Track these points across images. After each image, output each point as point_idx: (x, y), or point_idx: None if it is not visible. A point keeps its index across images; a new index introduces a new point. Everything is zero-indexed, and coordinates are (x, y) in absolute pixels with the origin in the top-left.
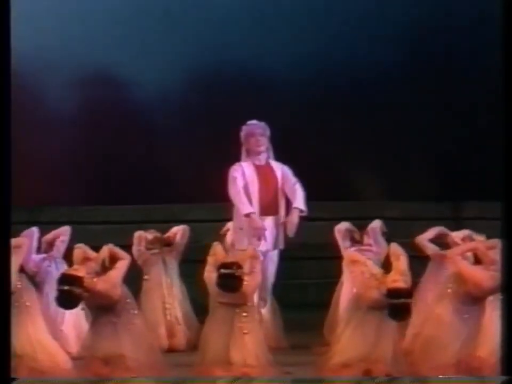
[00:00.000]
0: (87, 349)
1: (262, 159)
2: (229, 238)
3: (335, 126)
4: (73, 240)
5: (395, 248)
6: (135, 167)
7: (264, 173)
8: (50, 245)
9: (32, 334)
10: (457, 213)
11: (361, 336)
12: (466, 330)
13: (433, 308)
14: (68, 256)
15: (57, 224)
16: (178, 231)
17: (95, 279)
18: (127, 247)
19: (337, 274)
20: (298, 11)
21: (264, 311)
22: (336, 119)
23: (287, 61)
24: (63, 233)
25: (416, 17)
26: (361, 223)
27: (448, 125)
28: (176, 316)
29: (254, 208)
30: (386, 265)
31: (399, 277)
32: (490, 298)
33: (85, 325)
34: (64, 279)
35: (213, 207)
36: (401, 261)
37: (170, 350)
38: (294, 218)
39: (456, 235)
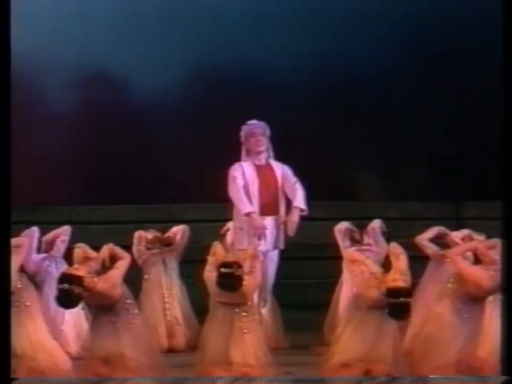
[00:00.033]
0: (87, 349)
1: (262, 159)
2: (229, 237)
3: (335, 126)
4: (73, 240)
5: (395, 247)
6: (135, 167)
7: (264, 173)
8: (51, 244)
9: (32, 334)
10: (458, 213)
11: (361, 335)
12: (466, 330)
13: (433, 308)
14: (68, 256)
15: (57, 224)
16: (178, 231)
17: (95, 279)
18: (127, 247)
19: (337, 274)
20: (298, 11)
21: (264, 311)
22: (336, 119)
23: (287, 60)
24: (63, 233)
25: (416, 17)
26: (361, 223)
27: (449, 125)
28: (176, 316)
29: (254, 208)
30: (386, 265)
31: (399, 276)
32: (490, 298)
33: (85, 325)
34: (65, 279)
35: (213, 207)
36: (401, 260)
37: (170, 350)
38: (295, 217)
39: (456, 235)
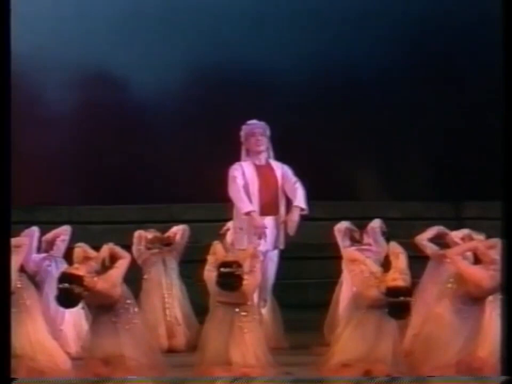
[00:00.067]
0: (87, 349)
1: (262, 159)
2: (229, 237)
3: (335, 125)
4: (73, 240)
5: (394, 246)
6: (135, 167)
7: (264, 173)
8: (51, 244)
9: (31, 334)
10: (458, 213)
11: (361, 335)
12: (466, 330)
13: (433, 308)
14: (68, 256)
15: (57, 224)
16: (178, 231)
17: (95, 278)
18: (127, 247)
19: (337, 274)
20: (298, 11)
21: (264, 311)
22: (336, 119)
23: (287, 60)
24: (64, 232)
25: (416, 17)
26: (361, 223)
27: (448, 125)
28: (175, 316)
29: (254, 207)
30: (385, 264)
31: (399, 275)
32: (490, 298)
33: (84, 325)
34: (65, 278)
35: (213, 207)
36: (400, 259)
37: (170, 351)
38: (295, 216)
39: (456, 234)
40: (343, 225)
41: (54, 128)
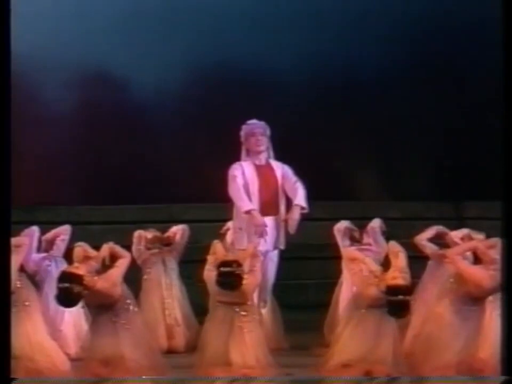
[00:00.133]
0: (87, 349)
1: (262, 159)
2: (229, 237)
3: (335, 125)
4: (73, 240)
5: (394, 245)
6: (135, 167)
7: (264, 173)
8: (51, 244)
9: (31, 335)
10: (458, 213)
11: (361, 335)
12: (466, 330)
13: (433, 308)
14: (68, 256)
15: (57, 224)
16: (178, 231)
17: (95, 278)
18: (127, 247)
19: (338, 274)
20: (299, 11)
21: (264, 311)
22: (337, 119)
23: (287, 60)
24: (64, 232)
25: (416, 17)
26: (361, 223)
27: (448, 124)
28: (175, 317)
29: (254, 206)
30: (385, 263)
31: (398, 274)
32: (490, 298)
33: (84, 325)
34: (64, 277)
35: (213, 207)
36: (400, 258)
37: (170, 351)
38: (295, 215)
39: (455, 234)
40: (342, 224)
41: (54, 128)
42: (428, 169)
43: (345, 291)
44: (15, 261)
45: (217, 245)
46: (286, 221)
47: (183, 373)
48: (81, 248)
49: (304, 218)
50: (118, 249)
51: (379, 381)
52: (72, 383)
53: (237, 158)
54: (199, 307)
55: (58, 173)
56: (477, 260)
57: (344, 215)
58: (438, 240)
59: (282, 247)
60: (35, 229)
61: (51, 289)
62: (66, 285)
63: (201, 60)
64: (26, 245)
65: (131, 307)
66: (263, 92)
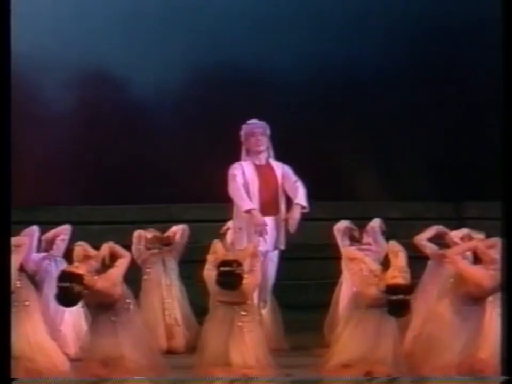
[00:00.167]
0: (86, 349)
1: (262, 159)
2: (229, 237)
3: (335, 126)
4: (73, 240)
5: (394, 245)
6: (135, 167)
7: (264, 173)
8: (51, 243)
9: (30, 335)
10: (458, 213)
11: (361, 335)
12: (467, 330)
13: (433, 308)
14: (68, 256)
15: (57, 224)
16: (177, 231)
17: (95, 277)
18: (127, 247)
19: (338, 274)
20: (299, 11)
21: (264, 311)
22: (337, 119)
23: (287, 60)
24: (64, 231)
25: (416, 17)
26: (361, 223)
27: (448, 124)
28: (175, 317)
29: (254, 206)
30: (385, 263)
31: (398, 273)
32: (490, 298)
33: (84, 325)
34: (64, 276)
35: (213, 207)
36: (400, 258)
37: (169, 352)
38: (296, 214)
39: (455, 234)
40: (342, 224)
41: (54, 128)
42: (427, 169)
43: (345, 291)
44: (15, 260)
45: (217, 245)
46: (286, 220)
47: (182, 373)
48: (81, 247)
49: (304, 218)
50: (118, 248)
51: (379, 381)
52: (72, 383)
53: (237, 158)
54: (199, 307)
55: (58, 173)
56: (477, 259)
57: (344, 215)
58: (438, 240)
59: (282, 247)
60: (35, 229)
61: (51, 289)
62: (66, 284)
63: (201, 59)
64: (26, 244)
65: (131, 307)
66: (263, 92)
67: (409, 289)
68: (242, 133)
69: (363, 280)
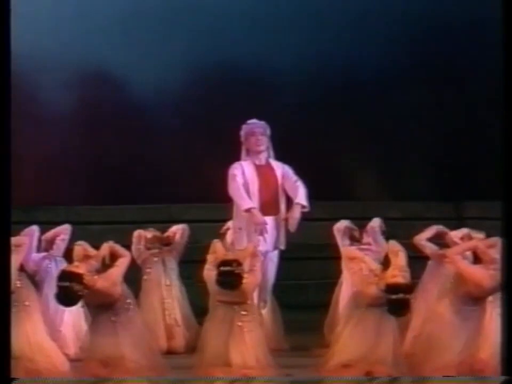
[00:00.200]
0: (86, 349)
1: (262, 159)
2: (229, 237)
3: (335, 126)
4: (73, 240)
5: (393, 244)
6: (135, 167)
7: (264, 173)
8: (51, 243)
9: (30, 335)
10: (458, 213)
11: (361, 334)
12: (467, 331)
13: (433, 308)
14: (67, 256)
15: (57, 224)
16: (177, 231)
17: (95, 277)
18: (127, 247)
19: (338, 274)
20: (299, 11)
21: (264, 312)
22: (337, 119)
23: (287, 60)
24: (64, 231)
25: (416, 17)
26: (361, 223)
27: (449, 124)
28: (175, 317)
29: (254, 205)
30: (385, 263)
31: (398, 273)
32: (490, 298)
33: (84, 326)
34: (64, 276)
35: (213, 207)
36: (399, 257)
37: (169, 352)
38: (296, 213)
39: (455, 234)
40: (342, 224)
41: (54, 128)
42: (428, 169)
43: (345, 291)
44: (15, 260)
45: (217, 244)
46: (286, 219)
47: (182, 373)
48: (81, 247)
49: (304, 218)
50: (118, 248)
51: (379, 381)
52: (72, 383)
53: (237, 158)
54: (199, 307)
55: (58, 173)
56: (476, 259)
57: (344, 215)
58: (438, 240)
59: (282, 247)
60: (35, 229)
61: (51, 289)
62: (66, 283)
63: (201, 59)
64: (26, 244)
65: (131, 307)
66: (263, 91)
67: (409, 288)
68: (242, 133)
69: (363, 280)
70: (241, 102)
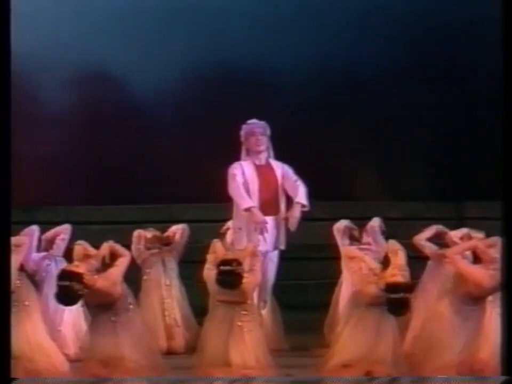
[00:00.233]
0: (86, 349)
1: (262, 159)
2: (229, 236)
3: (335, 126)
4: (72, 240)
5: (393, 244)
6: (135, 167)
7: (264, 173)
8: (51, 243)
9: (30, 335)
10: (458, 213)
11: (361, 334)
12: (467, 330)
13: (433, 308)
14: (67, 255)
15: (57, 224)
16: (177, 231)
17: (95, 276)
18: (126, 247)
19: (338, 274)
20: (299, 11)
21: (264, 312)
22: (337, 119)
23: (287, 60)
24: (64, 231)
25: (416, 17)
26: (361, 223)
27: (449, 124)
28: (175, 317)
29: (254, 204)
30: (385, 262)
31: (398, 272)
32: (490, 298)
33: (83, 326)
34: (64, 275)
35: (213, 207)
36: (399, 256)
37: (169, 352)
38: (296, 213)
39: (455, 234)
40: (342, 223)
41: (54, 128)
42: (428, 169)
43: (345, 291)
44: (15, 260)
45: (217, 244)
46: (286, 219)
47: (182, 373)
48: (81, 246)
49: (304, 218)
50: (118, 247)
51: (379, 381)
52: (71, 383)
53: (237, 158)
54: (198, 307)
55: (58, 173)
56: (476, 259)
57: (344, 215)
58: (438, 239)
59: (282, 247)
60: (35, 228)
61: (51, 288)
62: (66, 283)
63: (201, 59)
64: (26, 244)
65: (131, 307)
66: (263, 92)
67: (408, 287)
68: (242, 133)
69: (363, 279)
70: (241, 102)
